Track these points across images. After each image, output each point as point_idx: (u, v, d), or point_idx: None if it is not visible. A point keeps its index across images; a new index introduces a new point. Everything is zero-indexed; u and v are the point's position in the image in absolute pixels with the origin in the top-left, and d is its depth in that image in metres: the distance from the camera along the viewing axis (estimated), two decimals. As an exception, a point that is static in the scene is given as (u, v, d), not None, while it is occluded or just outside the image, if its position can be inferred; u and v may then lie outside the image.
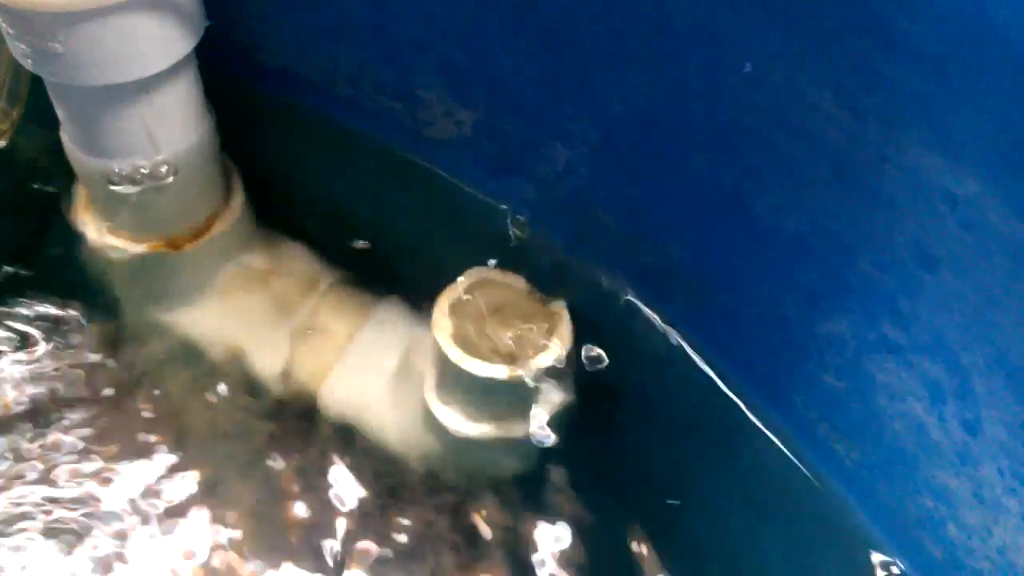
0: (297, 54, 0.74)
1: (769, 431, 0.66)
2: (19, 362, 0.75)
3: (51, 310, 0.77)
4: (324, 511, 0.71)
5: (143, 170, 0.66)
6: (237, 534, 0.69)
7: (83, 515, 0.69)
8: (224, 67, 0.68)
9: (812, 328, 0.60)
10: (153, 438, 0.73)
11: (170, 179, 0.67)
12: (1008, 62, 0.42)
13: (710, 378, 0.68)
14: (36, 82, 0.64)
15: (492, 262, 0.68)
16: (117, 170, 0.65)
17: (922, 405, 0.56)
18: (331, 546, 0.70)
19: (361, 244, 0.79)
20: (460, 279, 0.68)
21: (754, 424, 0.66)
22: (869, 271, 0.55)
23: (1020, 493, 0.52)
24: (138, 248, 0.71)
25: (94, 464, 0.71)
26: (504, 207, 0.73)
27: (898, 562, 0.62)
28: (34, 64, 0.59)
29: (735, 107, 0.55)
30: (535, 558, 0.69)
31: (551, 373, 0.65)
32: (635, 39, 0.56)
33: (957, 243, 0.49)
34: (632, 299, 0.70)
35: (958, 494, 0.56)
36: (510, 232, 0.73)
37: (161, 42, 0.60)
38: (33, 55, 0.58)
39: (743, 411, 0.67)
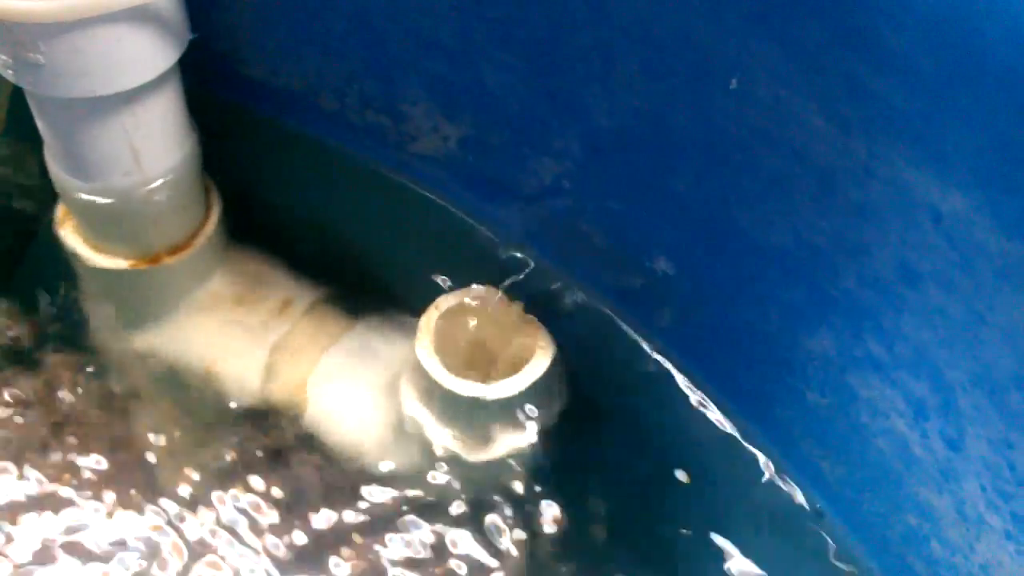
0: (282, 67, 0.74)
1: (752, 447, 0.66)
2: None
3: (29, 324, 0.76)
4: (303, 527, 0.70)
5: (126, 188, 0.65)
6: (215, 549, 0.69)
7: (63, 533, 0.69)
8: (207, 81, 0.68)
9: (796, 344, 0.60)
10: (130, 453, 0.73)
11: (153, 197, 0.66)
12: (994, 76, 0.42)
13: (694, 394, 0.68)
14: (19, 94, 0.63)
15: (475, 283, 0.68)
16: (100, 187, 0.65)
17: (905, 421, 0.56)
18: (307, 558, 0.69)
19: (341, 261, 0.79)
20: (443, 297, 0.68)
21: (738, 440, 0.66)
22: (853, 287, 0.55)
23: (1003, 510, 0.53)
24: (118, 264, 0.70)
25: (69, 481, 0.71)
26: (488, 223, 0.73)
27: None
28: (15, 75, 0.58)
29: (721, 121, 0.55)
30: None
31: (534, 390, 0.65)
32: (622, 54, 0.57)
33: (941, 258, 0.49)
34: (616, 315, 0.70)
35: (941, 511, 0.56)
36: (494, 249, 0.73)
37: (145, 54, 0.59)
38: (14, 66, 0.57)
39: (727, 427, 0.67)
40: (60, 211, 0.72)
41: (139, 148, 0.64)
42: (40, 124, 0.64)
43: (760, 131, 0.54)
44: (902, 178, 0.49)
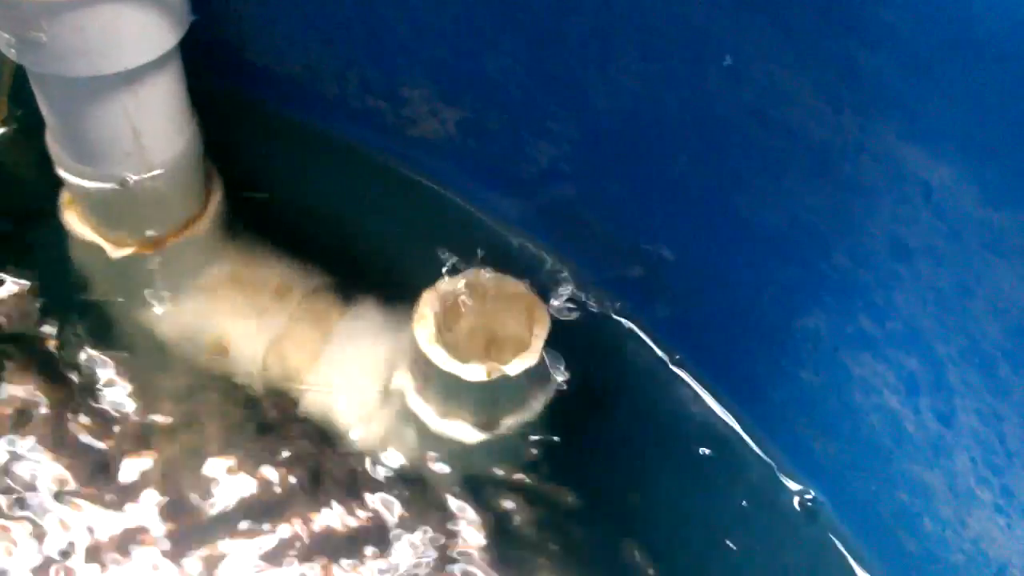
0: (283, 53, 0.74)
1: (744, 429, 0.67)
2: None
3: (34, 307, 0.77)
4: (305, 504, 0.70)
5: (127, 172, 0.66)
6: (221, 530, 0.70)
7: (63, 504, 0.69)
8: (208, 67, 0.68)
9: (789, 323, 0.61)
10: (135, 433, 0.73)
11: (154, 181, 0.67)
12: (983, 53, 0.43)
13: (687, 375, 0.68)
14: (24, 80, 0.64)
15: (473, 268, 0.68)
16: (101, 171, 0.65)
17: (897, 398, 0.57)
18: (310, 540, 0.70)
19: (340, 247, 0.80)
20: (440, 282, 0.68)
21: (729, 421, 0.67)
22: (845, 264, 0.56)
23: (993, 483, 0.53)
24: (121, 248, 0.71)
25: (72, 459, 0.71)
26: (487, 209, 0.73)
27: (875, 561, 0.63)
28: (17, 53, 0.58)
29: (716, 102, 0.56)
30: (513, 556, 0.69)
31: (532, 373, 0.66)
32: (619, 36, 0.57)
33: (931, 232, 0.50)
34: (612, 298, 0.71)
35: (933, 487, 0.57)
36: (491, 234, 0.74)
37: (146, 34, 0.60)
38: (16, 44, 0.58)
39: (719, 409, 0.67)
40: (64, 197, 0.72)
41: (140, 130, 0.64)
42: (42, 106, 0.64)
43: (755, 111, 0.54)
44: (893, 153, 0.49)
